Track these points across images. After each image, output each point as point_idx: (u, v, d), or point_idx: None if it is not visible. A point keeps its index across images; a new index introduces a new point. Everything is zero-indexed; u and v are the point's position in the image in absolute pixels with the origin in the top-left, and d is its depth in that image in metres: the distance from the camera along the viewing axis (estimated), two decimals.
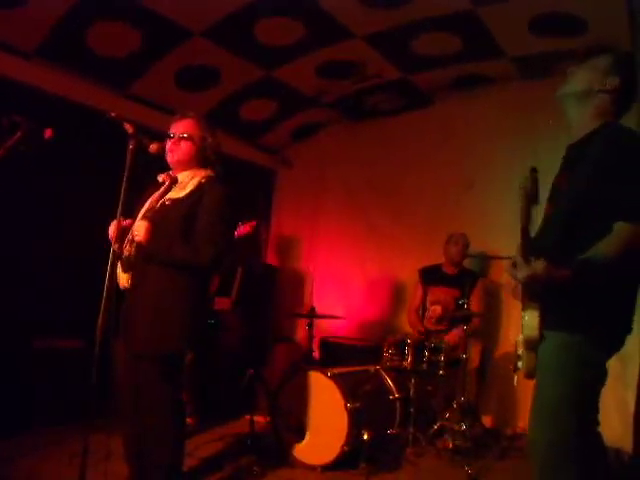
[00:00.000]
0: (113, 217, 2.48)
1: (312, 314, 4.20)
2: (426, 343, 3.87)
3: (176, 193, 2.61)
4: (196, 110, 4.75)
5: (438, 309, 4.39)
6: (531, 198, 1.91)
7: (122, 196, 2.44)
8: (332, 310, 4.97)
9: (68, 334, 3.81)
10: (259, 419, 3.87)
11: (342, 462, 3.23)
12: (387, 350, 3.97)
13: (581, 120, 1.97)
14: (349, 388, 3.36)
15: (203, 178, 2.63)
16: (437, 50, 4.20)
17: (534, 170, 1.94)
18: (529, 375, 1.88)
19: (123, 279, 2.55)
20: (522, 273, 1.82)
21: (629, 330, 1.86)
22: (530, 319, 1.84)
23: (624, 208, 1.72)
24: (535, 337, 1.82)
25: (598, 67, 1.94)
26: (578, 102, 1.97)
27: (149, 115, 4.48)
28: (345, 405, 3.25)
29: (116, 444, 2.63)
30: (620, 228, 1.71)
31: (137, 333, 2.50)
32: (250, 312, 4.96)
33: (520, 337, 1.89)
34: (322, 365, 4.41)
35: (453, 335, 4.16)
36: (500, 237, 4.17)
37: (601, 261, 1.72)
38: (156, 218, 2.53)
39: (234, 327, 4.75)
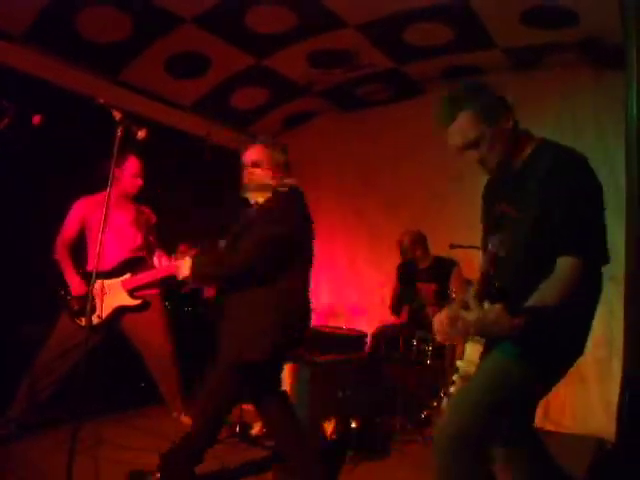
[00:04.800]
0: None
1: None
2: (414, 333, 3.89)
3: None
4: (186, 98, 4.79)
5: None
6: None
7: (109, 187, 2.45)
8: (320, 299, 4.98)
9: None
10: (247, 407, 3.87)
11: (330, 450, 3.25)
12: (375, 339, 3.98)
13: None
14: (337, 376, 3.38)
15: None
16: (429, 40, 4.19)
17: None
18: None
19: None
20: (472, 316, 1.71)
21: (577, 357, 1.84)
22: (471, 353, 1.83)
23: (568, 242, 1.69)
24: (472, 373, 1.82)
25: None
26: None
27: (139, 102, 4.44)
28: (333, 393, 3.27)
29: (108, 432, 2.62)
30: (562, 265, 1.69)
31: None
32: None
33: (460, 364, 1.86)
34: (309, 353, 4.42)
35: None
36: None
37: (549, 305, 1.66)
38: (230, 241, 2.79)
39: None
